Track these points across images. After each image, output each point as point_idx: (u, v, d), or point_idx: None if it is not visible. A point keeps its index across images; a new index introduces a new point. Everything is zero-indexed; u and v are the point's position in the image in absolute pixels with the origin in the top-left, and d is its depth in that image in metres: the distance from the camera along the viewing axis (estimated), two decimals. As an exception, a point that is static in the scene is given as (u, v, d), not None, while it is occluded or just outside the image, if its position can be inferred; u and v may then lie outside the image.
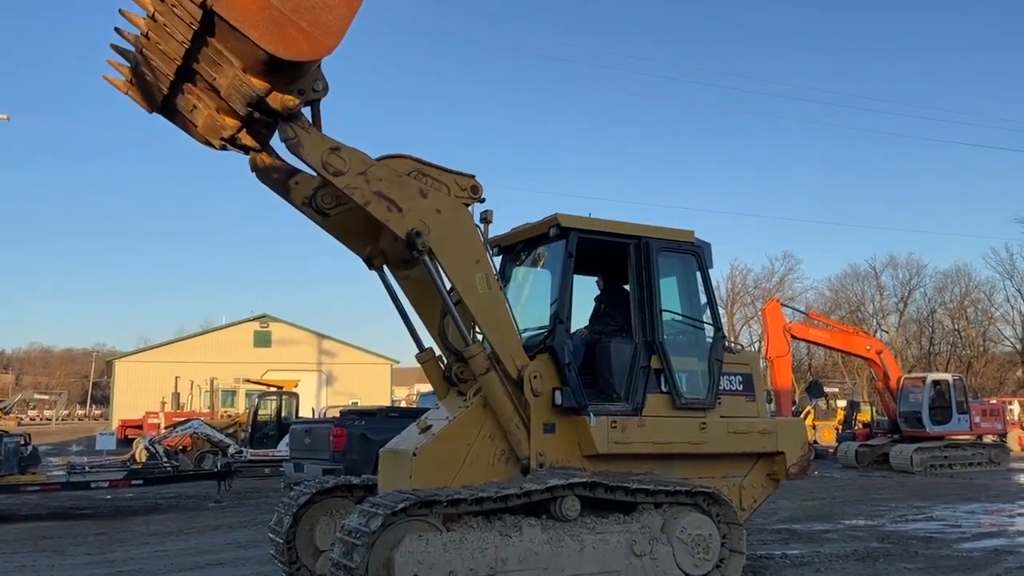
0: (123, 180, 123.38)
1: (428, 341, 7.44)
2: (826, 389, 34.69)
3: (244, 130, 6.19)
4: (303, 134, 6.08)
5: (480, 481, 6.49)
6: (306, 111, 6.19)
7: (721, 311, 8.28)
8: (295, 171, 6.60)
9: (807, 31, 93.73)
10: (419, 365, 7.51)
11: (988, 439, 24.34)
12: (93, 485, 14.49)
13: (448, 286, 6.68)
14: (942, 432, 22.59)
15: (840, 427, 30.49)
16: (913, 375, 25.99)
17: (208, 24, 5.25)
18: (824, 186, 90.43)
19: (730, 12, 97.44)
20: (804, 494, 15.73)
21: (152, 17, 5.48)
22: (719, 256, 8.55)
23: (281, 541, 7.17)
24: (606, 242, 7.46)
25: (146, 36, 5.64)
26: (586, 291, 8.36)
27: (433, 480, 6.37)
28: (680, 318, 7.68)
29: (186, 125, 6.23)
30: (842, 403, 33.75)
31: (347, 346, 49.34)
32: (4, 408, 53.01)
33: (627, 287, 7.71)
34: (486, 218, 6.96)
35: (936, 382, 23.29)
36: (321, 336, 48.70)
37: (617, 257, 7.62)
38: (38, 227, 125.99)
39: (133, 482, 14.97)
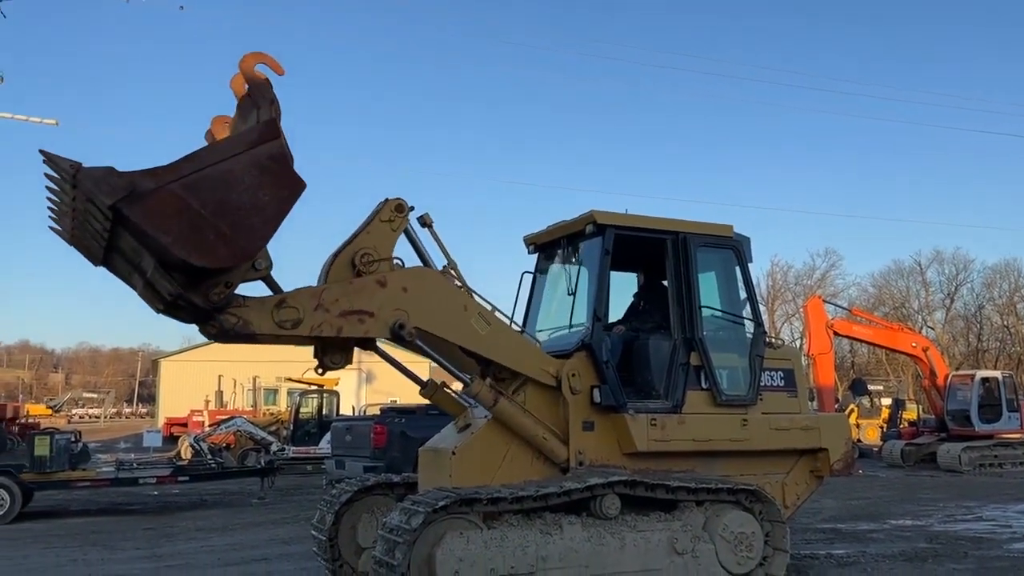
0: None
1: (426, 374, 7.27)
2: (870, 387, 34.13)
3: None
4: (244, 312, 5.69)
5: (520, 479, 6.49)
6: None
7: (761, 308, 8.13)
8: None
9: (851, 24, 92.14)
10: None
11: (1039, 437, 23.71)
12: (141, 481, 14.86)
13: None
14: (991, 431, 22.05)
15: (885, 425, 29.96)
16: (961, 372, 25.44)
17: (123, 218, 4.77)
18: (866, 180, 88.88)
19: (775, 5, 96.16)
20: (849, 493, 15.47)
21: (73, 199, 4.98)
22: (759, 252, 8.45)
23: (324, 539, 7.25)
24: (643, 238, 7.39)
25: (73, 209, 5.14)
26: (624, 288, 8.32)
27: (472, 478, 6.39)
28: (720, 314, 7.59)
29: (129, 284, 5.76)
30: (887, 401, 33.16)
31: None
32: (55, 406, 54.39)
33: (665, 283, 7.65)
34: (425, 221, 6.63)
35: (985, 379, 22.78)
36: (360, 335, 48.95)
37: (655, 253, 7.55)
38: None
39: (179, 478, 15.31)
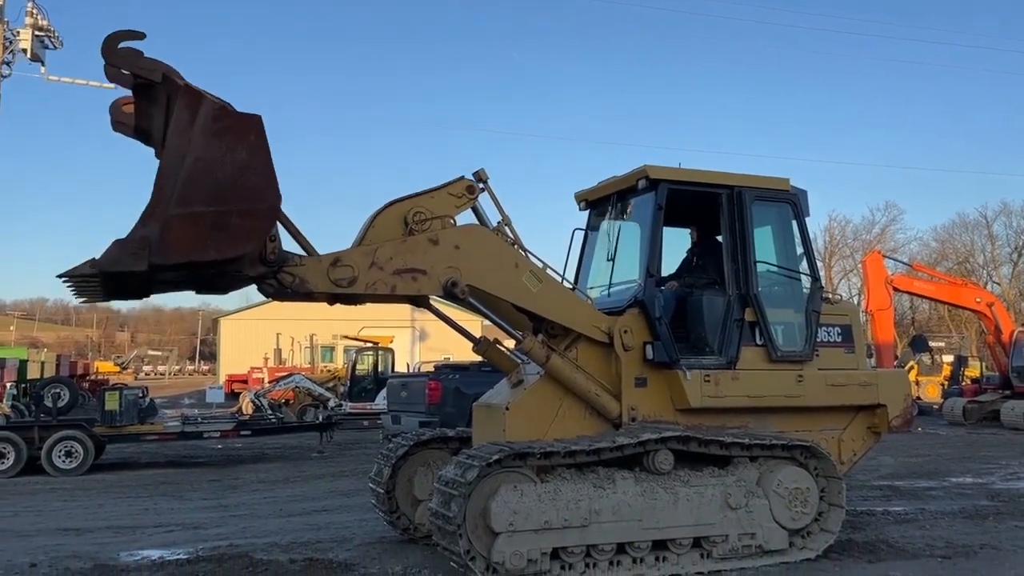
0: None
1: (478, 331, 7.41)
2: (931, 344, 33.35)
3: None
4: (301, 271, 5.86)
5: (572, 434, 6.56)
6: None
7: (819, 264, 7.96)
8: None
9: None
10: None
11: (1108, 395, 22.92)
12: (206, 435, 15.40)
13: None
14: (1058, 388, 21.40)
15: (946, 383, 29.31)
16: (1028, 328, 24.61)
17: (161, 267, 4.99)
18: (928, 131, 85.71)
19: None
20: (907, 451, 15.23)
21: (100, 279, 5.19)
22: (816, 206, 8.27)
23: (382, 491, 7.44)
24: (697, 193, 7.28)
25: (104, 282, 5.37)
26: (677, 244, 8.22)
27: (526, 433, 6.46)
28: (775, 269, 7.47)
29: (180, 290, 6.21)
30: (948, 358, 32.37)
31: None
32: (122, 364, 56.28)
33: (720, 238, 7.54)
34: (480, 177, 6.62)
35: (1053, 335, 22.02)
36: (414, 294, 49.41)
37: (709, 208, 7.44)
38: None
39: (242, 433, 15.79)
